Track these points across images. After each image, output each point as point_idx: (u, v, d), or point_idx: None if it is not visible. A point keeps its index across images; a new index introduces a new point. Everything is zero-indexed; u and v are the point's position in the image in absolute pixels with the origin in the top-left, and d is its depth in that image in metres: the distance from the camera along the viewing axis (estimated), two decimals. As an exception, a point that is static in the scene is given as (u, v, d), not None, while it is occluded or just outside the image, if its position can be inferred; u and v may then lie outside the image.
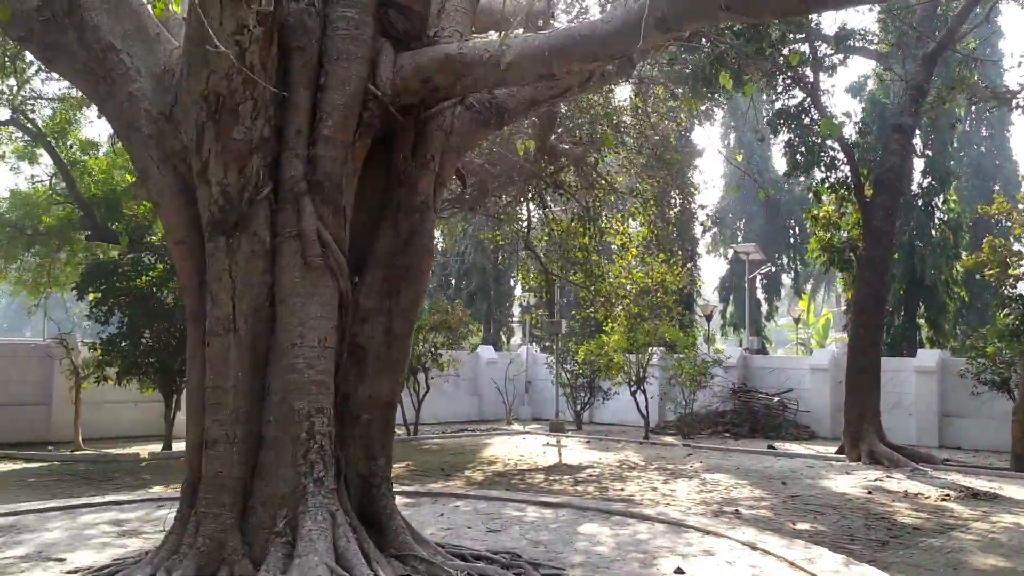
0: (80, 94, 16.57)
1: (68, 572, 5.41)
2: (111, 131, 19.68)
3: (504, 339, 35.25)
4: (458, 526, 7.21)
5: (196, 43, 4.37)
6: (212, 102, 4.49)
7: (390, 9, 4.97)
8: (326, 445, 4.68)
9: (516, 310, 35.74)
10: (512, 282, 33.67)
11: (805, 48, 14.59)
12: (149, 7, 5.17)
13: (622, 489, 10.14)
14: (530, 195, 16.40)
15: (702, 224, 23.25)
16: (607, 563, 5.88)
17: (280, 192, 4.79)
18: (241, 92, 4.46)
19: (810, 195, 16.45)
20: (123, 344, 13.91)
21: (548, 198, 16.63)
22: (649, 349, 18.68)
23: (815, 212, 15.94)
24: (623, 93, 15.34)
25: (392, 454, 5.41)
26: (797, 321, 37.05)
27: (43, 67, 15.55)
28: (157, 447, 13.91)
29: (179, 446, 12.81)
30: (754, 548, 6.38)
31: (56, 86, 17.06)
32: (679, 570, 5.64)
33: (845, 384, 14.42)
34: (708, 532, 7.03)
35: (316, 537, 4.34)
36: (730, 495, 9.85)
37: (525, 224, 17.77)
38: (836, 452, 14.26)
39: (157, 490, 9.42)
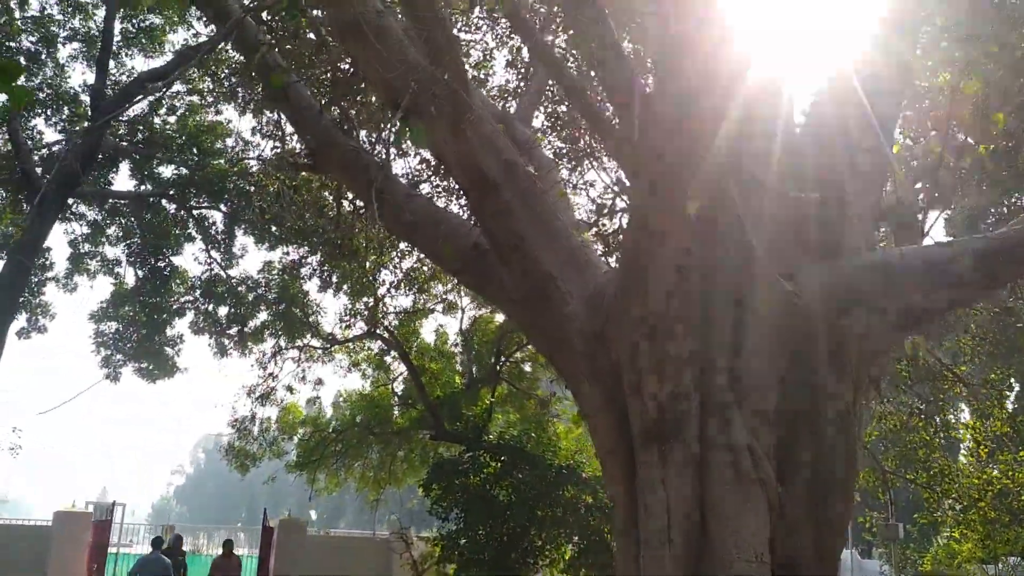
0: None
1: None
2: (438, 337, 21.95)
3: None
4: None
5: (636, 269, 4.78)
6: (649, 322, 4.81)
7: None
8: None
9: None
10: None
11: None
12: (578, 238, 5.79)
13: None
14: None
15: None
16: None
17: (707, 403, 4.92)
18: (678, 313, 4.75)
19: None
20: (462, 541, 14.57)
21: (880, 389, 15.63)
22: (1009, 559, 16.34)
23: None
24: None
25: None
26: None
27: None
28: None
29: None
30: None
31: (404, 301, 19.46)
32: None
33: None
34: None
35: None
36: None
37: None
38: None
39: None
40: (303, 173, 17.69)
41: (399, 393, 19.62)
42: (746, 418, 4.84)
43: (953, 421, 15.75)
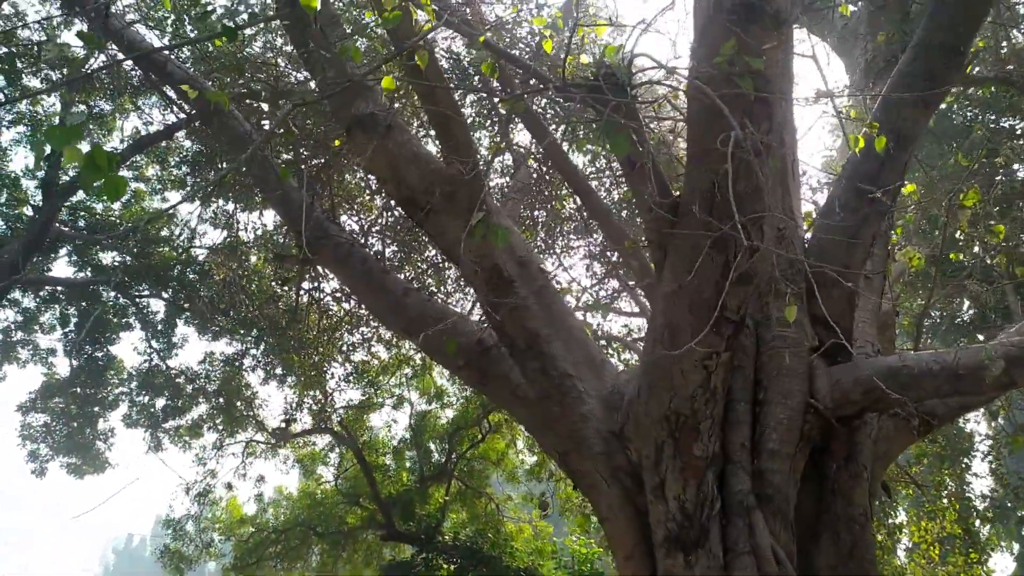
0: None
1: None
2: (388, 432, 21.50)
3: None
4: None
5: (661, 369, 4.79)
6: (673, 422, 4.80)
7: (817, 326, 5.27)
8: None
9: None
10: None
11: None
12: (592, 339, 5.80)
13: None
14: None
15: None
16: None
17: (728, 506, 4.89)
18: (703, 412, 4.76)
19: None
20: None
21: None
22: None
23: None
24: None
25: None
26: None
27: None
28: None
29: None
30: None
31: (353, 394, 19.03)
32: None
33: None
34: None
35: None
36: None
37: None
38: None
39: None
40: (253, 262, 17.48)
41: (343, 491, 18.96)
42: (768, 521, 4.83)
43: (901, 522, 15.93)
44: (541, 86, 4.65)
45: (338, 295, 14.18)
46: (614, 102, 4.16)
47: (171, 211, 16.81)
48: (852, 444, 5.27)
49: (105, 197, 2.54)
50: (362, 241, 7.20)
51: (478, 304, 6.75)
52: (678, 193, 4.73)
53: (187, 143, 20.16)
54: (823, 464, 5.27)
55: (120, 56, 9.26)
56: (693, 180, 4.49)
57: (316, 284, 13.86)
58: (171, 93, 15.47)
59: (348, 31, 6.31)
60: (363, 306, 8.42)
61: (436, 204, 5.81)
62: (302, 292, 14.14)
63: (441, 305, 6.65)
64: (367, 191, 8.62)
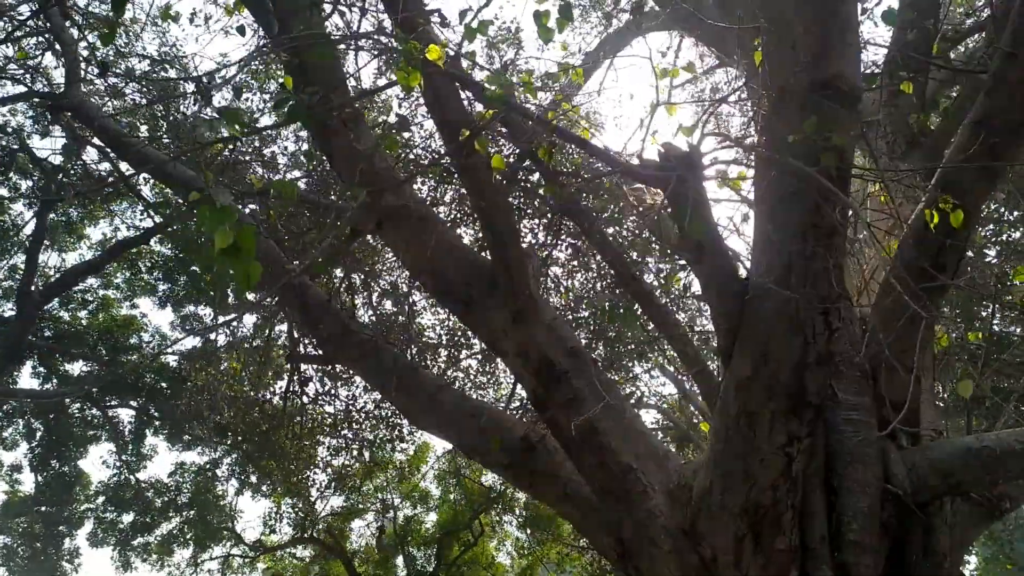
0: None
1: None
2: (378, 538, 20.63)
3: None
4: None
5: (737, 458, 4.58)
6: (752, 514, 4.57)
7: (883, 409, 5.13)
8: None
9: None
10: None
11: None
12: (656, 433, 5.57)
13: None
14: None
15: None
16: None
17: (815, 604, 4.62)
18: (784, 502, 4.54)
19: None
20: None
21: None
22: None
23: None
24: None
25: None
26: None
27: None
28: None
29: None
30: None
31: (335, 502, 18.33)
32: None
33: None
34: None
35: None
36: None
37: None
38: None
39: None
40: (233, 365, 16.97)
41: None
42: (857, 617, 4.56)
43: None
44: (607, 168, 4.56)
45: (323, 398, 13.79)
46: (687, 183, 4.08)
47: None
48: (930, 532, 5.06)
49: (239, 284, 2.34)
50: (386, 337, 6.96)
51: (515, 399, 6.51)
52: (745, 276, 4.64)
53: (159, 248, 19.85)
54: (902, 555, 5.04)
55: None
56: (765, 261, 4.40)
57: (302, 387, 13.48)
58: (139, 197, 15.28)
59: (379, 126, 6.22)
60: (393, 405, 8.09)
61: (476, 296, 5.64)
62: (290, 395, 13.73)
63: (478, 401, 6.40)
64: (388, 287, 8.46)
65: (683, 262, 7.15)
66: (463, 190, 7.53)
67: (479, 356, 8.61)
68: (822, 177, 3.90)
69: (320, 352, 7.07)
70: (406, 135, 7.24)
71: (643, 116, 4.40)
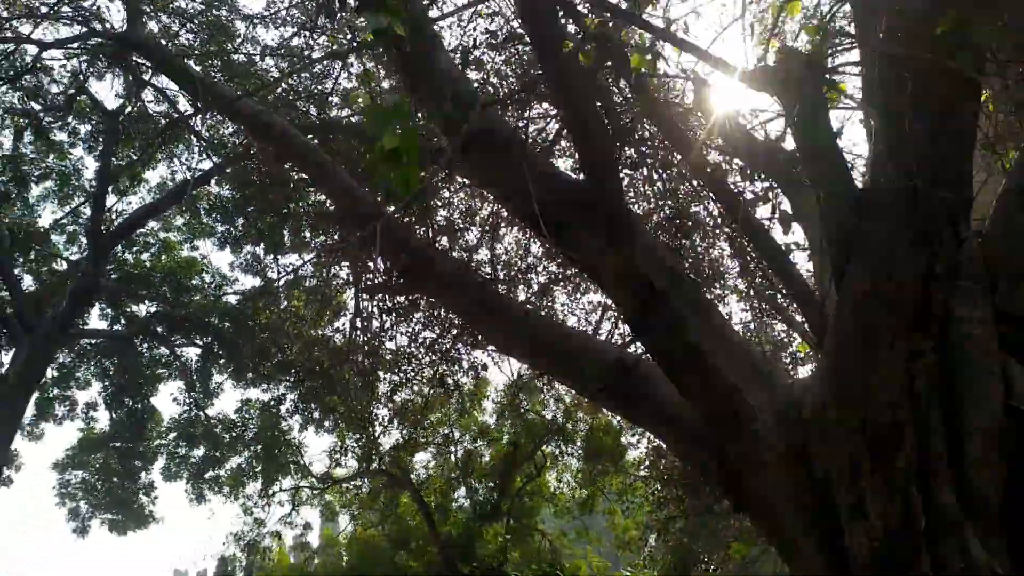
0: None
1: None
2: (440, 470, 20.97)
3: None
4: None
5: (853, 375, 4.45)
6: (871, 433, 4.44)
7: (1002, 324, 4.93)
8: None
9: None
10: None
11: None
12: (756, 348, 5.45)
13: None
14: None
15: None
16: None
17: (935, 523, 4.51)
18: (905, 420, 4.40)
19: None
20: None
21: None
22: None
23: None
24: None
25: None
26: None
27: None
28: None
29: None
30: None
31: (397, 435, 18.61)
32: None
33: None
34: None
35: None
36: None
37: None
38: None
39: None
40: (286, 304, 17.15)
41: (393, 535, 18.43)
42: (979, 536, 4.44)
43: None
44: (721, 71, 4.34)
45: (385, 333, 13.86)
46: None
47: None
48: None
49: (398, 189, 2.24)
50: (470, 265, 6.88)
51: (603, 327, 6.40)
52: (862, 187, 4.44)
53: (216, 190, 19.94)
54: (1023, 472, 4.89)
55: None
56: (890, 166, 4.19)
57: (365, 323, 13.56)
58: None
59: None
60: (477, 331, 8.05)
61: (569, 219, 5.50)
62: (355, 330, 13.82)
63: (567, 327, 6.32)
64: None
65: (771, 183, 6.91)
66: (552, 112, 7.34)
67: (564, 284, 8.48)
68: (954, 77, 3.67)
69: (400, 283, 7.01)
70: (492, 54, 7.05)
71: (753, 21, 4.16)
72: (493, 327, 6.40)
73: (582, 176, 5.46)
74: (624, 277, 5.27)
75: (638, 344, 6.39)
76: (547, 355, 6.11)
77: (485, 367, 11.08)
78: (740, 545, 10.95)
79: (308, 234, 14.71)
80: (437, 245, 7.24)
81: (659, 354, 5.28)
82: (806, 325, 6.25)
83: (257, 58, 13.64)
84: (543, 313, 6.84)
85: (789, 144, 7.11)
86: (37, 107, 17.27)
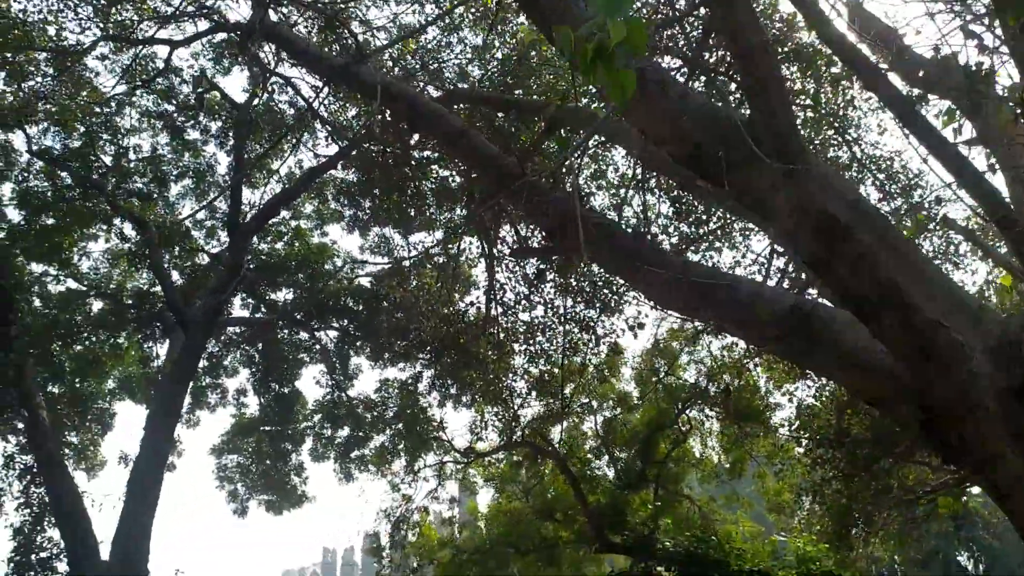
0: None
1: None
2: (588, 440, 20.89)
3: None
4: None
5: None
6: (1109, 367, 3.92)
7: None
8: None
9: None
10: None
11: None
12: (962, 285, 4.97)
13: None
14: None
15: None
16: None
17: None
18: None
19: None
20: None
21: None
22: None
23: None
24: None
25: None
26: None
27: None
28: None
29: None
30: None
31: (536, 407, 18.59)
32: None
33: None
34: None
35: None
36: None
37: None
38: None
39: None
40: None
41: (537, 505, 18.42)
42: None
43: None
44: None
45: (520, 303, 13.70)
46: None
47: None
48: None
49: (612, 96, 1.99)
50: (618, 223, 6.59)
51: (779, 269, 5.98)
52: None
53: (342, 175, 20.26)
54: None
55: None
56: None
57: (501, 293, 13.44)
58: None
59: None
60: (632, 287, 7.77)
61: (736, 157, 5.12)
62: (489, 303, 13.75)
63: (732, 275, 5.94)
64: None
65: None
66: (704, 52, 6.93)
67: (717, 234, 8.06)
68: None
69: (547, 245, 6.79)
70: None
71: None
72: (650, 282, 6.10)
73: (747, 111, 5.06)
74: (802, 212, 4.86)
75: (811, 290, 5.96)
76: (713, 305, 5.77)
77: (641, 325, 10.67)
78: (949, 500, 10.25)
79: (433, 210, 14.74)
80: (584, 203, 6.97)
81: (846, 293, 4.86)
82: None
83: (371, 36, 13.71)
84: (699, 262, 6.45)
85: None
86: (171, 108, 17.97)
